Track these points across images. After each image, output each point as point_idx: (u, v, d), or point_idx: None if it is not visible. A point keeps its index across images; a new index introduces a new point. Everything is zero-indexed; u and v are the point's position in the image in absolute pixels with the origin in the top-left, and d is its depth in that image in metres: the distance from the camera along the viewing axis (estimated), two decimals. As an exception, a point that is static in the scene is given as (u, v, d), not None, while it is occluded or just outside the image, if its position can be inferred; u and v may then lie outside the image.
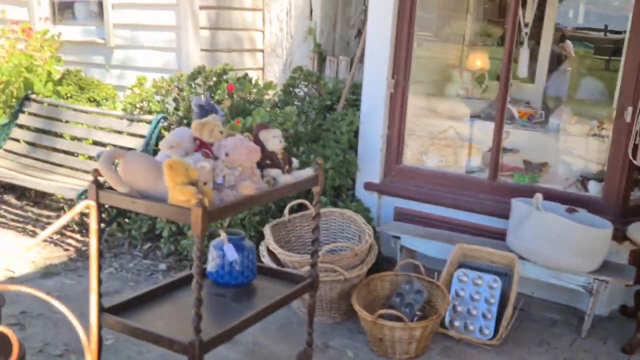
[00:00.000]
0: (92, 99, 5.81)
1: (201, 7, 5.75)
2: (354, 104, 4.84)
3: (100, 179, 2.49)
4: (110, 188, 2.49)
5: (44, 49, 5.82)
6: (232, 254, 2.98)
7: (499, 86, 4.09)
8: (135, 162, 2.48)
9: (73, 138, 5.31)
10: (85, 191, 4.32)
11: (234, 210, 2.51)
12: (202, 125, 2.68)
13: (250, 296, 2.96)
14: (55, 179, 4.89)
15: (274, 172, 2.85)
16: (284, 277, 3.16)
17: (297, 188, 2.90)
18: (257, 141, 2.89)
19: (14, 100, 5.57)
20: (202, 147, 2.69)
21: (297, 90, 4.91)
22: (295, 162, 3.07)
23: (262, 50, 6.57)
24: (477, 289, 3.49)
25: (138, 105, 4.96)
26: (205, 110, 2.84)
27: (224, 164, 2.61)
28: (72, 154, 5.24)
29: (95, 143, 5.17)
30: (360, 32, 6.72)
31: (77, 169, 5.07)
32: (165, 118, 4.87)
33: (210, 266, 3.02)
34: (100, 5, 6.39)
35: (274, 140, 2.93)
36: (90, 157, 5.04)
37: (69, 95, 5.69)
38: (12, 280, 4.01)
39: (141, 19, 6.00)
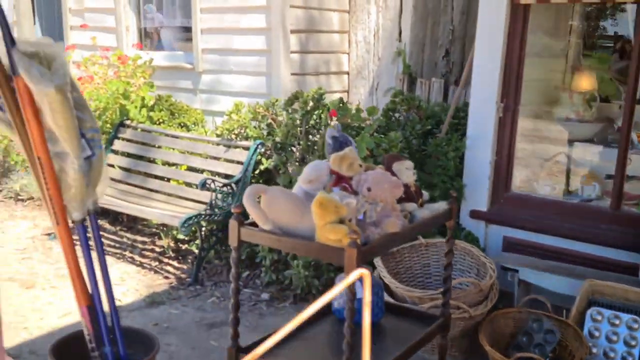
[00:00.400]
0: (182, 124, 5.83)
1: (292, 31, 5.70)
2: (457, 128, 4.68)
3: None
4: (250, 224, 2.40)
5: (137, 75, 5.88)
6: (361, 290, 2.85)
7: (622, 109, 3.85)
8: (279, 198, 2.38)
9: (166, 163, 5.31)
10: (189, 218, 4.28)
11: (383, 249, 2.38)
12: (341, 159, 2.57)
13: (383, 337, 2.81)
14: (152, 205, 4.89)
15: (411, 206, 2.71)
16: (412, 315, 3.00)
17: (434, 223, 2.75)
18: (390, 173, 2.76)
19: (108, 126, 5.63)
20: (341, 181, 2.57)
21: (397, 114, 4.78)
22: (425, 194, 2.92)
23: (348, 73, 6.48)
24: (614, 330, 3.25)
25: (235, 131, 4.92)
26: (340, 142, 2.73)
27: (365, 199, 2.48)
28: (167, 179, 5.24)
29: (190, 169, 5.15)
30: (448, 53, 6.56)
31: (173, 195, 5.06)
32: (262, 144, 4.81)
33: (338, 302, 2.89)
34: (188, 30, 6.45)
35: (407, 172, 2.79)
36: (188, 184, 5.03)
37: (160, 120, 5.71)
38: (119, 308, 3.99)
39: (230, 44, 6.01)
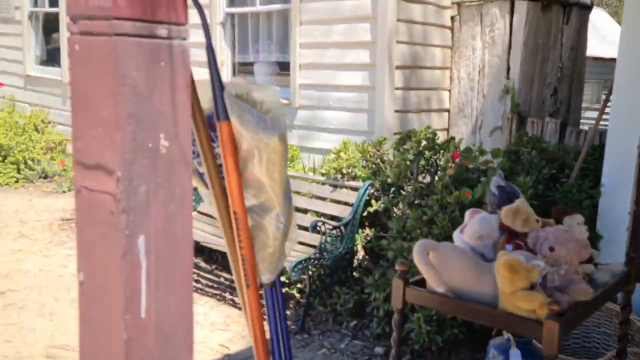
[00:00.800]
0: (279, 161, 5.65)
1: (397, 67, 5.50)
2: (586, 173, 4.31)
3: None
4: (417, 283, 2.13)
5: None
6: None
7: None
8: (452, 256, 2.11)
9: (267, 202, 5.12)
10: (300, 262, 4.05)
11: (579, 321, 2.06)
12: (515, 212, 2.28)
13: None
14: (254, 245, 4.68)
15: (588, 267, 2.38)
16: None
17: (616, 289, 2.41)
18: (560, 229, 2.44)
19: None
20: (514, 238, 2.28)
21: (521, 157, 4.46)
22: (595, 253, 2.59)
23: (448, 110, 6.21)
24: None
25: (344, 170, 4.70)
26: (507, 193, 2.44)
27: (546, 260, 2.18)
28: (267, 218, 5.04)
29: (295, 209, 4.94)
30: (556, 91, 6.21)
31: (275, 235, 4.85)
32: (372, 185, 4.57)
33: (494, 371, 2.56)
34: (283, 65, 6.35)
35: (580, 228, 2.48)
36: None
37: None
38: (229, 358, 3.77)
39: (331, 80, 5.85)
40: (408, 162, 4.49)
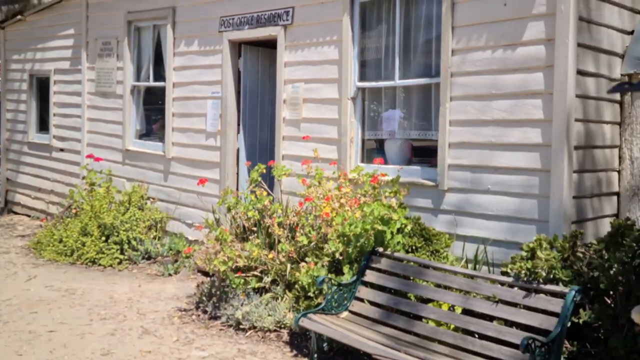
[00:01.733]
0: (434, 251, 5.02)
1: (576, 147, 4.86)
2: None
3: None
4: None
5: (384, 195, 5.21)
6: None
7: None
8: None
9: (436, 303, 4.45)
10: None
11: None
12: None
13: None
14: (432, 358, 3.98)
15: None
16: None
17: None
18: None
19: (356, 253, 4.92)
20: None
21: None
22: None
23: (618, 194, 5.48)
24: None
25: (543, 272, 4.00)
26: None
27: None
28: (439, 324, 4.36)
29: (469, 313, 4.25)
30: None
31: (456, 347, 4.15)
32: (580, 291, 3.85)
33: None
34: (423, 142, 5.80)
35: None
36: (468, 331, 4.10)
37: (413, 247, 4.94)
38: None
39: (489, 160, 5.23)
40: (623, 266, 3.78)
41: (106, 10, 9.58)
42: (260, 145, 8.13)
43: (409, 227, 4.89)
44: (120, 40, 9.32)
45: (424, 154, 6.02)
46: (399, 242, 4.83)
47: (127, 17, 9.13)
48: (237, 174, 7.85)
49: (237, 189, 7.77)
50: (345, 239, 4.97)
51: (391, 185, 5.49)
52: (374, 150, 6.51)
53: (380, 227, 4.78)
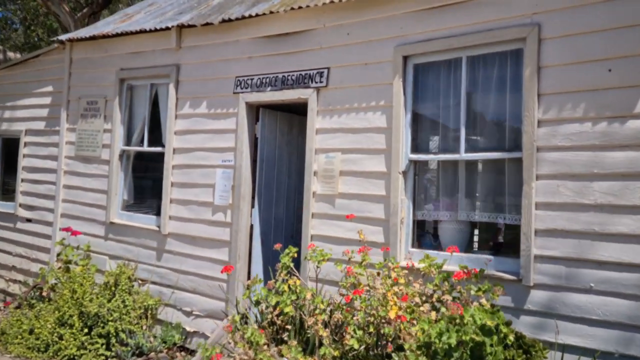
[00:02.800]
0: (533, 366, 4.02)
1: None
2: None
3: None
4: None
5: (462, 292, 4.24)
6: None
7: None
8: None
9: None
10: None
11: None
12: None
13: None
14: None
15: None
16: None
17: None
18: None
19: (444, 368, 3.87)
20: None
21: None
22: None
23: None
24: None
25: None
26: None
27: None
28: None
29: None
30: None
31: None
32: None
33: None
34: (491, 226, 4.92)
35: None
36: None
37: (512, 361, 3.94)
38: None
39: (589, 252, 4.37)
40: None
41: (94, 67, 8.56)
42: (276, 221, 7.11)
43: (511, 338, 3.90)
44: (109, 99, 8.28)
45: (495, 240, 5.12)
46: (500, 356, 3.82)
47: (120, 75, 8.13)
48: (250, 254, 6.76)
49: (249, 273, 6.67)
50: (429, 350, 3.93)
51: (466, 281, 4.53)
52: (426, 234, 5.58)
53: (479, 338, 3.78)
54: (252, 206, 6.83)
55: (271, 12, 6.39)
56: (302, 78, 6.26)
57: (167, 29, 7.52)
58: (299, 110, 6.81)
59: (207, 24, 6.97)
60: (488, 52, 5.01)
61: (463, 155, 5.13)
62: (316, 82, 6.13)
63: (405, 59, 5.47)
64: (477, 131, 5.12)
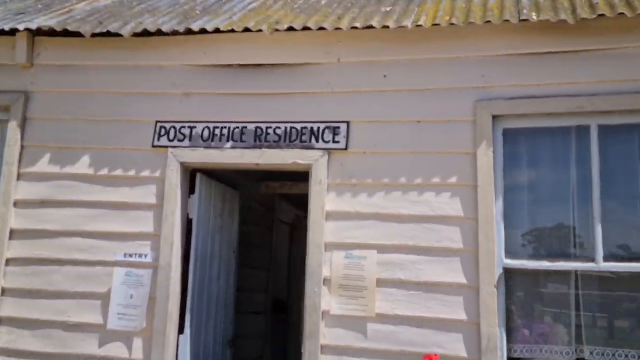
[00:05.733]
0: None
1: None
2: None
3: None
4: None
5: None
6: None
7: None
8: None
9: None
10: None
11: None
12: None
13: None
14: None
15: None
16: None
17: None
18: None
19: None
20: None
21: None
22: None
23: None
24: None
25: None
26: None
27: None
28: None
29: None
30: None
31: None
32: None
33: None
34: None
35: None
36: None
37: None
38: None
39: None
40: None
41: None
42: (205, 353, 4.49)
43: None
44: None
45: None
46: None
47: None
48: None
49: None
50: None
51: None
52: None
53: None
54: (181, 331, 4.17)
55: (247, 30, 4.13)
56: (297, 134, 4.09)
57: (12, 33, 4.58)
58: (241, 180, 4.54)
59: (92, 33, 4.31)
60: (633, 122, 3.65)
61: (602, 265, 3.58)
62: (326, 142, 4.02)
63: (494, 120, 3.80)
64: (618, 231, 3.64)
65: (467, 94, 3.87)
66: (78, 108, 4.49)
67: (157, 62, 4.44)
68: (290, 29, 4.06)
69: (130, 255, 4.19)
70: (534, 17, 3.68)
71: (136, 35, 4.34)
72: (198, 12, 4.73)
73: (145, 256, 4.17)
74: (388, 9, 4.27)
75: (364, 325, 3.78)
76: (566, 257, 3.67)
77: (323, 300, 3.85)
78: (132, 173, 4.30)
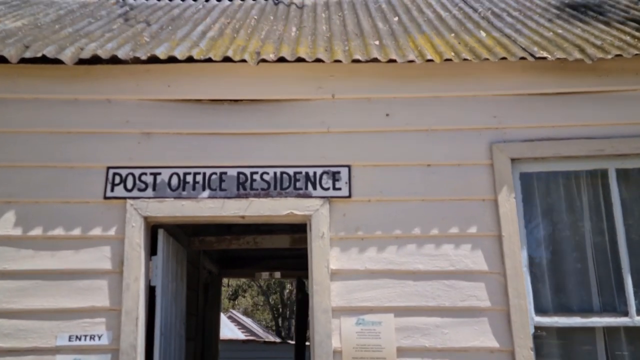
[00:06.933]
0: None
1: None
2: None
3: None
4: None
5: None
6: None
7: None
8: None
9: None
10: None
11: None
12: None
13: None
14: None
15: None
16: None
17: None
18: None
19: None
20: None
21: None
22: None
23: None
24: None
25: None
26: None
27: None
28: None
29: None
30: None
31: None
32: None
33: None
34: None
35: None
36: None
37: None
38: None
39: None
40: None
41: None
42: None
43: None
44: None
45: None
46: None
47: None
48: None
49: None
50: None
51: None
52: None
53: None
54: None
55: (227, 60, 3.51)
56: (290, 179, 3.50)
57: None
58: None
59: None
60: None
61: (635, 319, 3.34)
62: (325, 189, 3.48)
63: (512, 163, 3.50)
64: (647, 280, 3.44)
65: (479, 135, 3.54)
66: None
67: (103, 95, 3.64)
68: (281, 59, 3.50)
69: (78, 338, 3.28)
70: (551, 56, 3.46)
71: (82, 62, 3.53)
72: (147, 38, 4.00)
73: (99, 337, 3.28)
74: (377, 43, 3.87)
75: (385, 405, 3.20)
76: (595, 311, 3.40)
77: (333, 379, 3.23)
78: (76, 232, 3.42)
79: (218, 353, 7.57)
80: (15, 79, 3.64)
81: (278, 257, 7.39)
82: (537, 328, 3.33)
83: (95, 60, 3.57)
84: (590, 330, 3.39)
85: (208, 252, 6.64)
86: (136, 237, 3.37)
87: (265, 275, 7.84)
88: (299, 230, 5.51)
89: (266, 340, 20.85)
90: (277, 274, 7.75)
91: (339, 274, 3.37)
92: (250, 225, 5.18)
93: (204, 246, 5.45)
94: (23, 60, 3.54)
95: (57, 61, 3.52)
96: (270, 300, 26.69)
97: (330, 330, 3.27)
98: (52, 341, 3.28)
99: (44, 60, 3.54)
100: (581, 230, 3.50)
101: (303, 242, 5.57)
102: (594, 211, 3.52)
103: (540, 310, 3.38)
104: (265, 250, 6.25)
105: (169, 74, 3.64)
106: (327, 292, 3.31)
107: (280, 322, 26.49)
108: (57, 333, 3.29)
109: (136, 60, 3.54)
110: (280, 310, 26.60)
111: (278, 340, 21.40)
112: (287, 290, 25.89)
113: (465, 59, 3.48)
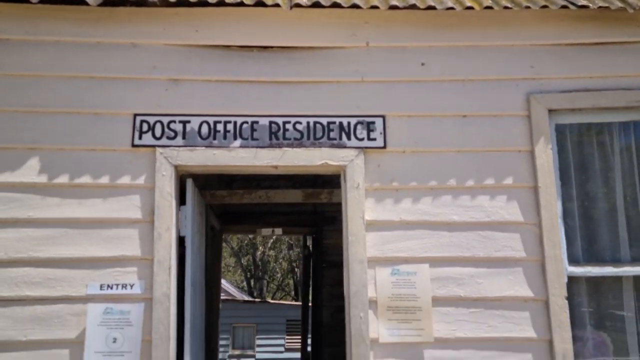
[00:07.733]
0: None
1: None
2: None
3: None
4: None
5: None
6: None
7: None
8: None
9: None
10: None
11: None
12: None
13: None
14: None
15: None
16: None
17: None
18: None
19: None
20: None
21: None
22: None
23: None
24: None
25: None
26: None
27: None
28: None
29: None
30: None
31: None
32: None
33: None
34: None
35: None
36: None
37: None
38: None
39: None
40: None
41: None
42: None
43: None
44: None
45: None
46: None
47: None
48: None
49: None
50: None
51: None
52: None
53: None
54: (179, 383, 3.29)
55: (260, 4, 3.39)
56: (323, 129, 3.43)
57: None
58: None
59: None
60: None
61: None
62: (359, 139, 3.41)
63: (549, 114, 3.47)
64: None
65: (516, 86, 3.49)
66: (17, 96, 3.40)
67: (127, 39, 3.51)
68: (316, 4, 3.38)
69: (110, 287, 3.22)
70: (592, 5, 3.40)
71: (106, 3, 3.38)
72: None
73: (131, 286, 3.23)
74: (408, -10, 3.75)
75: (420, 353, 3.23)
76: (625, 261, 3.43)
77: (369, 327, 3.22)
78: (104, 180, 3.32)
79: (219, 308, 7.57)
80: (35, 20, 3.48)
81: (280, 213, 7.35)
82: (570, 278, 3.35)
83: (120, 1, 3.42)
84: (619, 280, 3.42)
85: (212, 207, 6.58)
86: (167, 187, 3.29)
87: (266, 231, 7.81)
88: (310, 185, 5.49)
89: (246, 299, 21.13)
90: (279, 231, 7.73)
91: (374, 225, 3.33)
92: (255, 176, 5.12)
93: (214, 200, 5.38)
94: (43, 1, 3.38)
95: (80, 1, 3.37)
96: (243, 262, 26.85)
97: (366, 281, 3.25)
98: (83, 290, 3.21)
99: (66, 1, 3.38)
100: (612, 182, 3.50)
101: (315, 196, 5.57)
102: (627, 163, 3.51)
103: (572, 260, 3.39)
104: (271, 205, 6.22)
105: (197, 18, 3.51)
106: (362, 243, 3.28)
107: (252, 283, 26.71)
108: (88, 282, 3.22)
109: (164, 3, 3.40)
110: (253, 271, 26.80)
111: (258, 300, 21.75)
112: (259, 252, 26.08)
113: (506, 7, 3.40)
